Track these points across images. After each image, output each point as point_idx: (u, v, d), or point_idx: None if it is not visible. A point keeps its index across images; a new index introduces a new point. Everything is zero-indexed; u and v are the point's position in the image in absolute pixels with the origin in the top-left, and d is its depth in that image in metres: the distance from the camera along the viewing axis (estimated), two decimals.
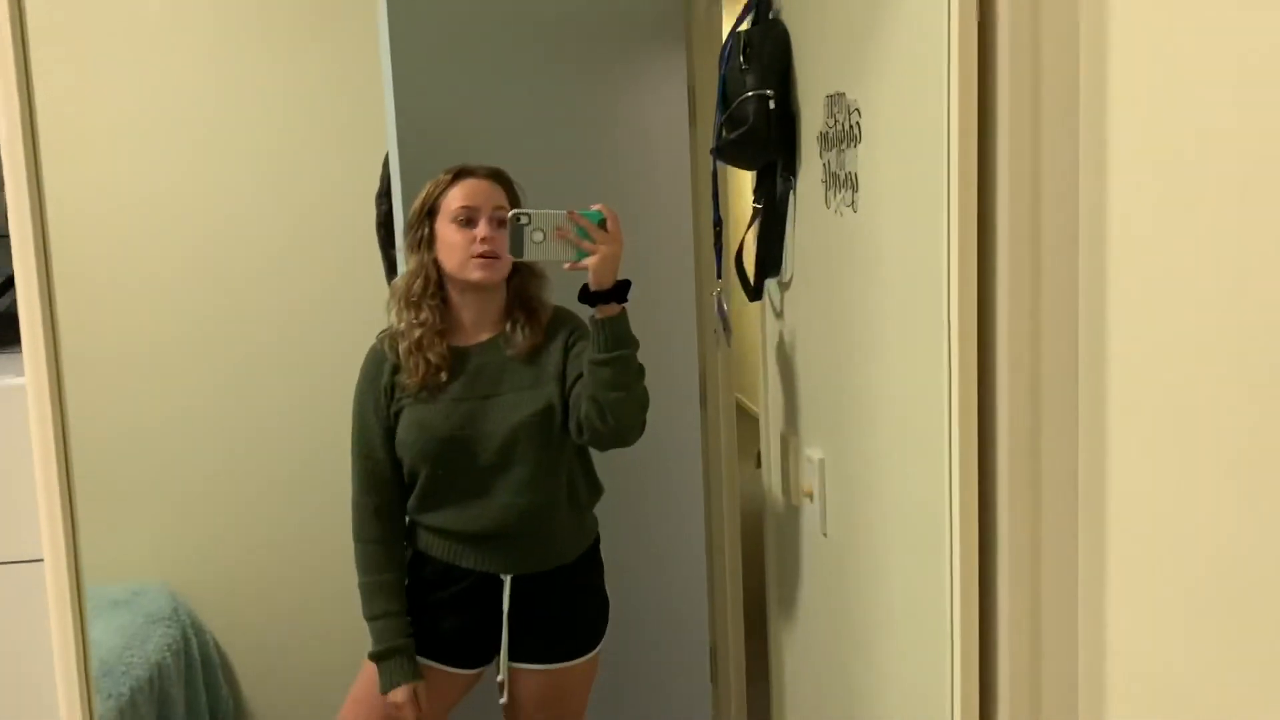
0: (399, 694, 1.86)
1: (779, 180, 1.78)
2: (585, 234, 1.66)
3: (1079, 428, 1.08)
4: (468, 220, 1.83)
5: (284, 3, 2.94)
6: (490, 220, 1.83)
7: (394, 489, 1.91)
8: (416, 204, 1.89)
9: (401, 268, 1.97)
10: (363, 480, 1.91)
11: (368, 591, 1.92)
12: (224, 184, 2.93)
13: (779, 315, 1.93)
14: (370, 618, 1.91)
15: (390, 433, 1.88)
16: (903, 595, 1.37)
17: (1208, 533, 0.89)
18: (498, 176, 1.89)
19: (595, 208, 1.67)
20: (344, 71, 2.90)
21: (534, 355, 1.87)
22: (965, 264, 1.12)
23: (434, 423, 1.84)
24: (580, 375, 1.80)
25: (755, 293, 1.93)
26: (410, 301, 1.87)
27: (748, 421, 3.13)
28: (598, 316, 1.71)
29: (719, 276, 2.02)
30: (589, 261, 1.67)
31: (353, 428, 1.92)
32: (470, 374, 1.87)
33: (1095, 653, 1.07)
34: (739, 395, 3.13)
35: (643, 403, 1.80)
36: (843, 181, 1.50)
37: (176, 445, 2.97)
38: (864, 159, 1.42)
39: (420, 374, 1.84)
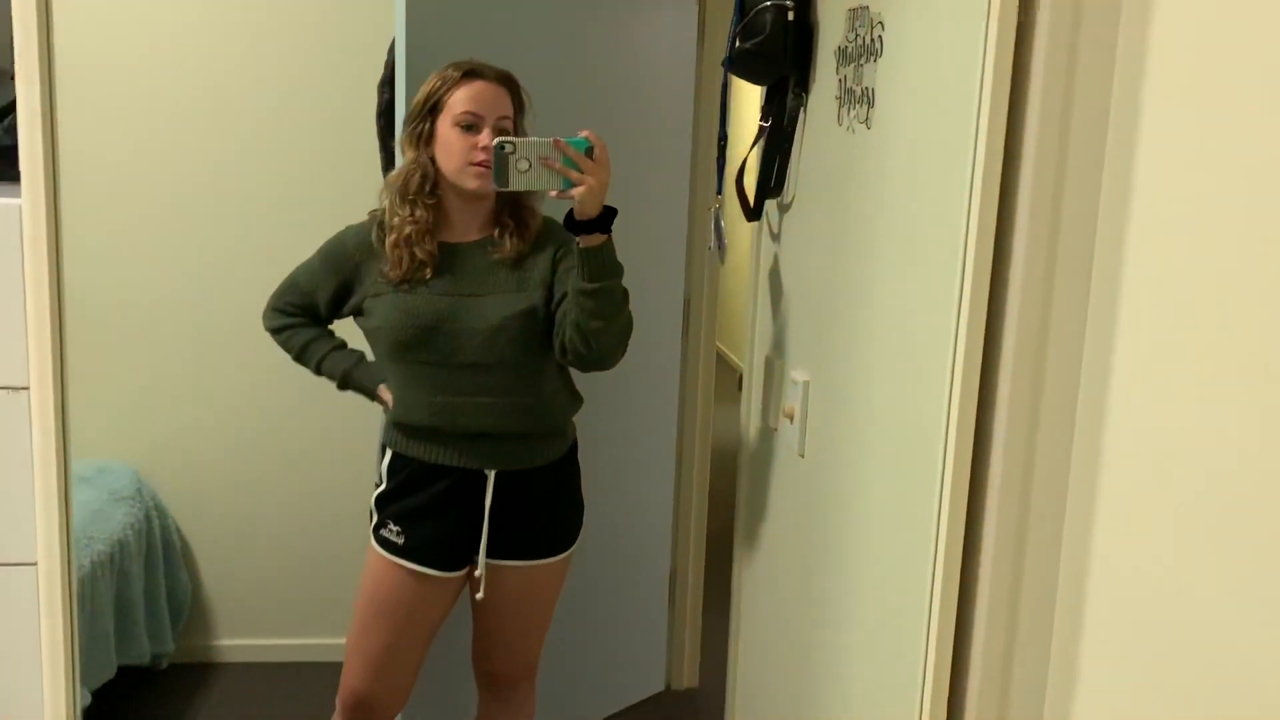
0: (382, 391, 1.96)
1: (790, 96, 1.76)
2: (572, 163, 1.65)
3: (1083, 358, 1.08)
4: (470, 126, 1.81)
5: None
6: (493, 129, 1.81)
7: (299, 316, 2.00)
8: (420, 97, 1.85)
9: (399, 159, 1.94)
10: (284, 296, 2.00)
11: (302, 357, 2.02)
12: (219, 54, 2.86)
13: (775, 238, 1.92)
14: (318, 371, 2.02)
15: (335, 303, 1.95)
16: (881, 510, 1.39)
17: (1202, 460, 0.90)
18: (507, 81, 1.86)
19: (582, 134, 1.67)
20: None
21: (519, 261, 1.88)
22: (989, 189, 1.10)
23: (418, 310, 1.85)
24: (565, 295, 1.81)
25: (754, 213, 1.91)
26: (405, 198, 1.86)
27: (723, 369, 3.12)
28: (581, 245, 1.72)
29: (719, 193, 2.00)
30: (575, 191, 1.66)
31: (303, 267, 1.98)
32: (455, 271, 1.87)
33: (1078, 568, 1.08)
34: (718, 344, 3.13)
35: (626, 330, 1.82)
36: (858, 97, 1.48)
37: (152, 325, 2.94)
38: (883, 74, 1.40)
39: (404, 268, 1.85)
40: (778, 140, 1.80)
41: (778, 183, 1.83)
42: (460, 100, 1.81)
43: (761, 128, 1.85)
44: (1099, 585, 1.04)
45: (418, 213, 1.84)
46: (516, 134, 1.84)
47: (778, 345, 1.89)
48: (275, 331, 2.03)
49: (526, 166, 1.65)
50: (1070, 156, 1.05)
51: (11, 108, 1.40)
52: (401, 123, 1.97)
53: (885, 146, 1.40)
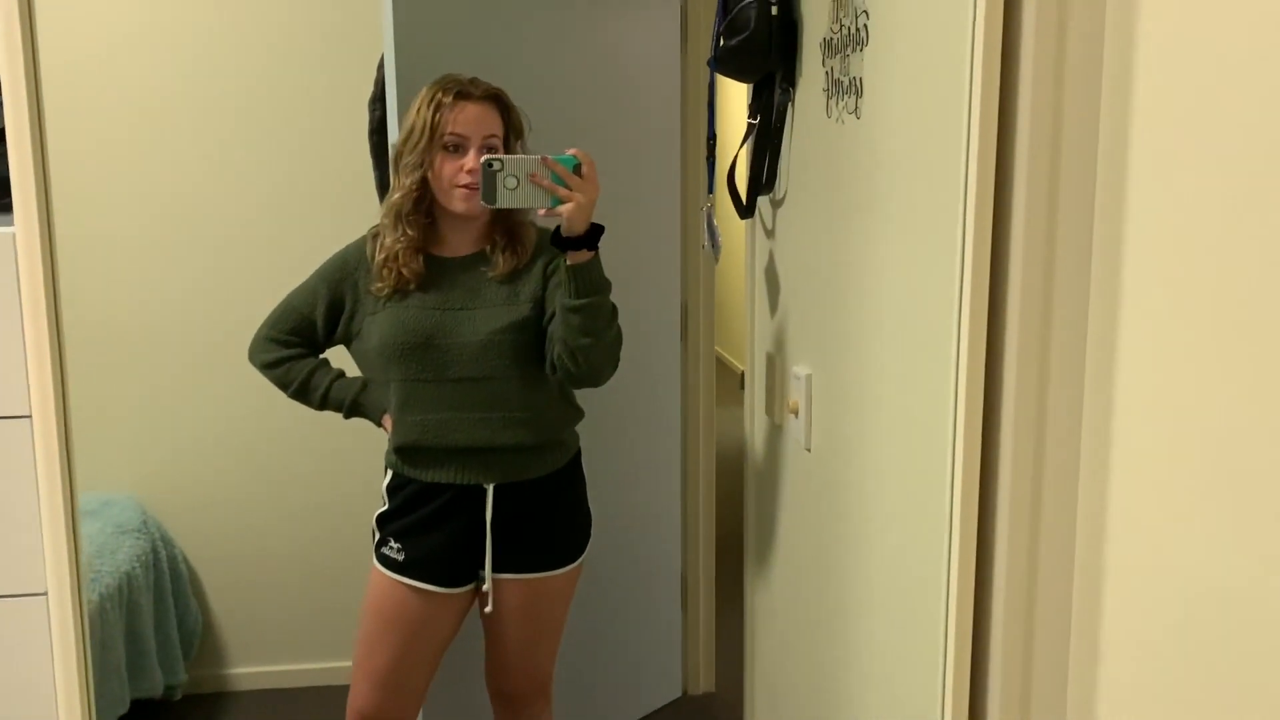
0: (386, 420, 1.95)
1: (777, 92, 1.75)
2: (560, 180, 1.65)
3: (1087, 339, 1.07)
4: (457, 147, 1.82)
5: None
6: (479, 150, 1.82)
7: (296, 347, 1.98)
8: (411, 122, 1.85)
9: (394, 178, 1.94)
10: (276, 325, 1.97)
11: (306, 388, 1.99)
12: (207, 76, 2.86)
13: (770, 234, 1.92)
14: (322, 403, 1.99)
15: (330, 324, 1.94)
16: (891, 499, 1.38)
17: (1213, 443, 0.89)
18: (496, 100, 1.86)
19: (570, 152, 1.68)
20: None
21: (512, 276, 1.88)
22: (984, 169, 1.08)
23: (409, 323, 1.86)
24: (554, 312, 1.82)
25: (747, 210, 1.91)
26: (399, 217, 1.88)
27: (721, 370, 3.12)
28: (569, 263, 1.72)
29: (710, 192, 2.00)
30: (564, 209, 1.67)
31: (296, 291, 1.97)
32: (447, 286, 1.88)
33: (1094, 550, 1.08)
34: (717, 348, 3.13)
35: (614, 346, 1.83)
36: (846, 88, 1.48)
37: (147, 354, 2.94)
38: (870, 63, 1.40)
39: (391, 283, 1.87)
40: (767, 136, 1.80)
41: (769, 178, 1.83)
42: (449, 123, 1.82)
43: (750, 125, 1.85)
44: (1116, 572, 1.03)
45: (410, 232, 1.87)
46: (509, 152, 1.84)
47: (778, 341, 1.88)
48: (270, 366, 1.98)
49: (514, 184, 1.67)
50: (1065, 130, 1.05)
51: None
52: (394, 143, 1.97)
53: (876, 135, 1.39)
